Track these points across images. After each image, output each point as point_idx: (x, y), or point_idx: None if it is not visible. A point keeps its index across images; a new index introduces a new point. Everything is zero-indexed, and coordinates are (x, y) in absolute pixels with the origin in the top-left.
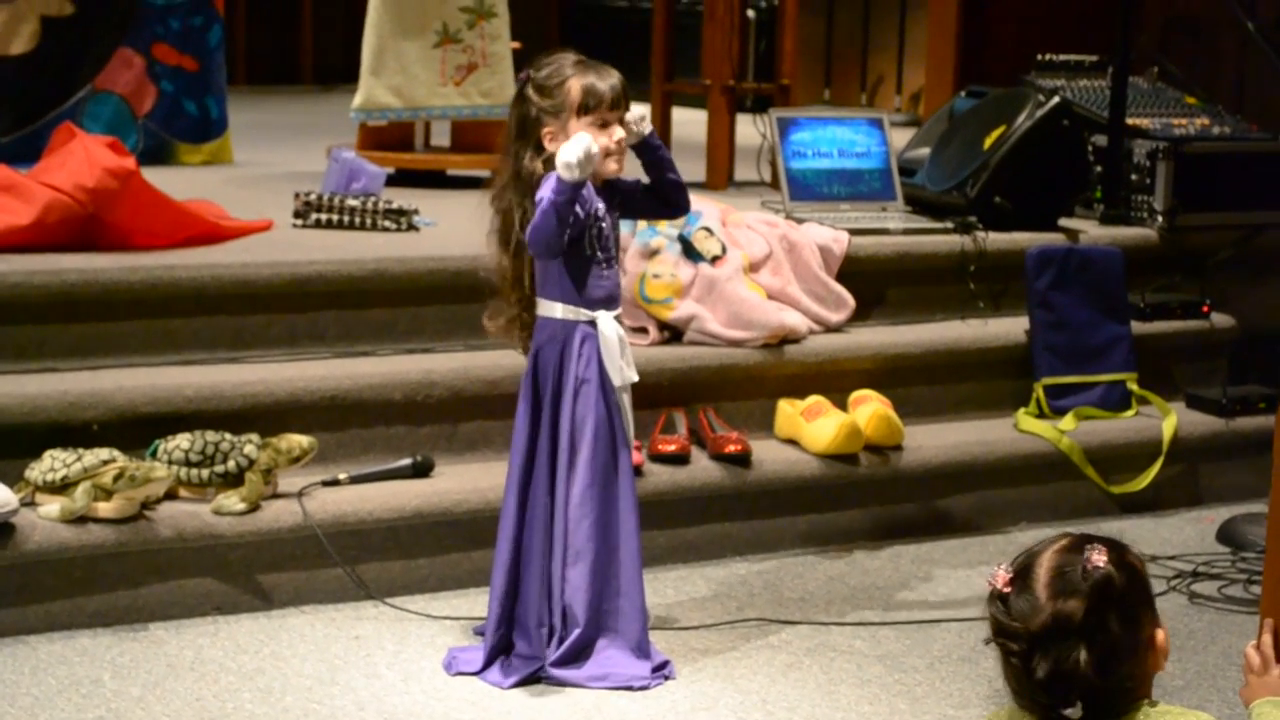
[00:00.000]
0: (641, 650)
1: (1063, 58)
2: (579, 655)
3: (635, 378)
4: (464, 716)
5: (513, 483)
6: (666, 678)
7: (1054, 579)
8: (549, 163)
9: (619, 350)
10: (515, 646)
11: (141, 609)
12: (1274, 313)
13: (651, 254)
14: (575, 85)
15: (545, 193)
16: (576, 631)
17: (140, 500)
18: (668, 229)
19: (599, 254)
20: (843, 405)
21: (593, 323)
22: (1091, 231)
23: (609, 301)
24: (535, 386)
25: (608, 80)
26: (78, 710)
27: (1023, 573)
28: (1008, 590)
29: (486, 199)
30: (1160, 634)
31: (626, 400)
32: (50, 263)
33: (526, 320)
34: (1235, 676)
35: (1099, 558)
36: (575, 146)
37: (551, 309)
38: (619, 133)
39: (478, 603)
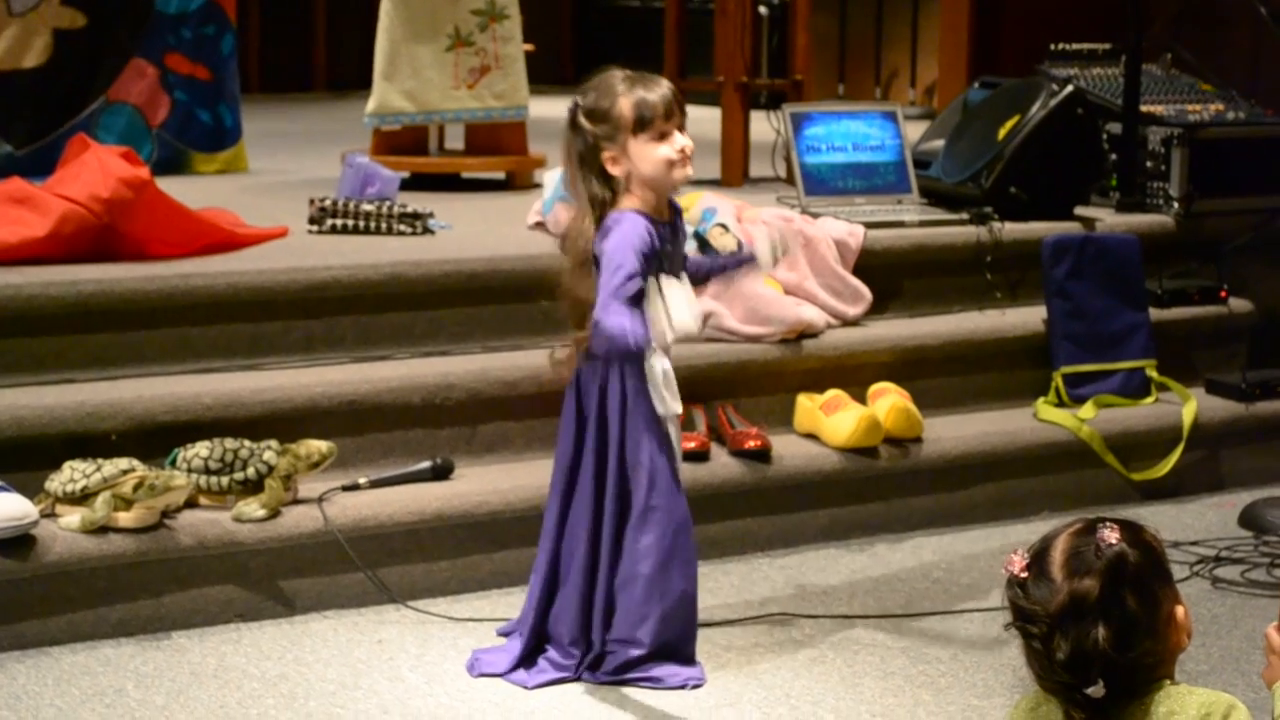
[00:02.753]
0: (690, 661)
1: (1075, 46)
2: (632, 669)
3: (679, 409)
4: (488, 718)
5: (555, 499)
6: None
7: (1069, 560)
8: (616, 189)
9: (663, 381)
10: (547, 652)
11: (164, 618)
12: None
13: None
14: (626, 104)
15: (626, 322)
16: (638, 652)
17: (160, 509)
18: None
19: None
20: (862, 399)
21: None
22: (1107, 219)
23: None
24: (579, 402)
25: (658, 91)
26: None
27: (1038, 557)
28: (1024, 576)
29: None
30: (1180, 610)
31: (674, 431)
32: (66, 274)
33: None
34: (1259, 660)
35: (1111, 535)
36: (688, 311)
37: None
38: (680, 140)
39: (500, 604)
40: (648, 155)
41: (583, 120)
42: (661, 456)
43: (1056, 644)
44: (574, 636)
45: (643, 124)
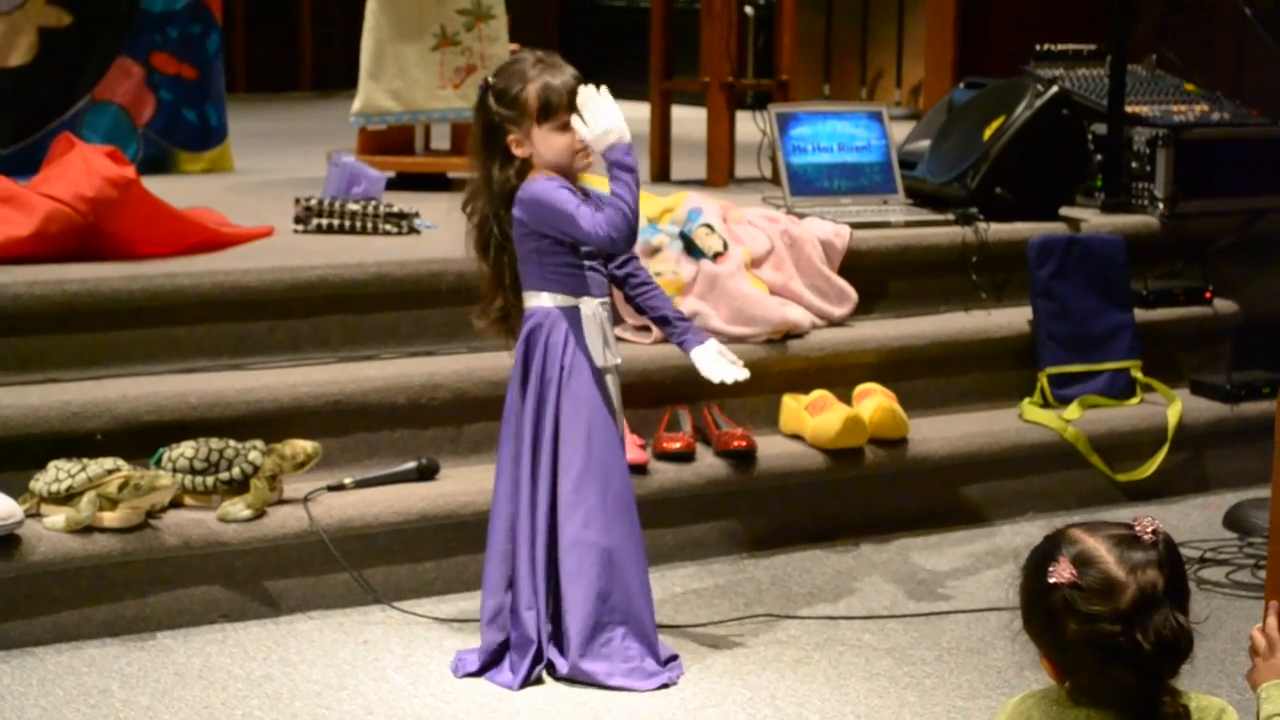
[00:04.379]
0: (649, 639)
1: (1061, 47)
2: (590, 642)
3: (617, 360)
4: (473, 718)
5: (503, 471)
6: (675, 673)
7: (1121, 556)
8: (520, 172)
9: (599, 331)
10: (510, 638)
11: (149, 618)
12: (1277, 297)
13: (653, 252)
14: (532, 91)
15: (621, 190)
16: (584, 618)
17: (145, 509)
18: (669, 226)
19: (583, 247)
20: (847, 399)
21: (578, 308)
22: (1093, 220)
23: (596, 289)
24: (524, 372)
25: (561, 78)
26: None
27: (1085, 563)
28: (1080, 581)
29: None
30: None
31: (614, 387)
32: (51, 273)
33: (515, 313)
34: (1244, 662)
35: (1154, 524)
36: (602, 110)
37: (539, 298)
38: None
39: None
40: (550, 143)
41: (492, 102)
42: (600, 419)
43: (1138, 637)
44: (529, 602)
45: (547, 112)
